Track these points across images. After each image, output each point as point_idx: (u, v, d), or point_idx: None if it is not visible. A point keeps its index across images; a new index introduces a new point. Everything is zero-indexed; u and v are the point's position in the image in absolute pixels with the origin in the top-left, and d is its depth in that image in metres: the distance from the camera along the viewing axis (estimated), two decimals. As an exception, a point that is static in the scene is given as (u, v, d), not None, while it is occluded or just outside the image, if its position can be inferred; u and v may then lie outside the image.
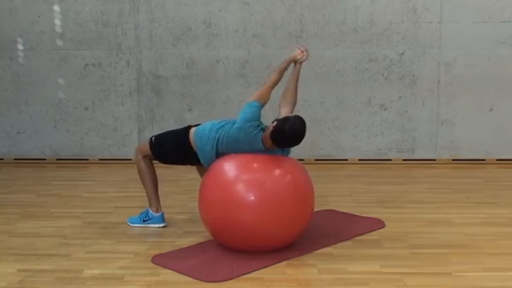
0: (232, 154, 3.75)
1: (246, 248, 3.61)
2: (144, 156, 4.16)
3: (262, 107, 3.79)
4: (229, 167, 3.67)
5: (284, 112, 3.85)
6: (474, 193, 5.13)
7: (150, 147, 4.12)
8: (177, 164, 4.25)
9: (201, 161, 3.93)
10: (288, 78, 4.00)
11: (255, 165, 3.66)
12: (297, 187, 3.65)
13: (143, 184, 4.21)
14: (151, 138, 4.18)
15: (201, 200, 3.73)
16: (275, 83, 3.87)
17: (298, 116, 3.67)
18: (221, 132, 3.81)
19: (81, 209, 4.71)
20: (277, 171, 3.64)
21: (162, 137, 4.16)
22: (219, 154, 3.83)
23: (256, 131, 3.70)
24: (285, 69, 3.98)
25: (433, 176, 5.88)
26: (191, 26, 6.30)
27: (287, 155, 3.87)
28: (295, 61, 4.01)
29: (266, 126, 3.74)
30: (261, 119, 3.81)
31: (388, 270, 3.37)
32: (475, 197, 5.01)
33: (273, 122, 3.68)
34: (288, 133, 3.59)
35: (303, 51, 4.00)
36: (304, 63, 4.03)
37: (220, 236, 3.71)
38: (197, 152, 3.92)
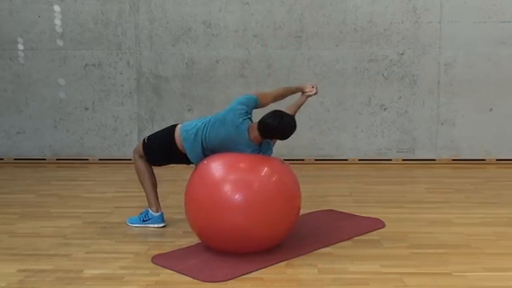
0: (218, 154, 3.71)
1: (231, 250, 3.56)
2: (141, 156, 4.16)
3: (258, 105, 3.83)
4: (215, 167, 3.61)
5: None
6: (474, 193, 5.13)
7: (143, 149, 4.14)
8: (167, 163, 4.21)
9: (189, 157, 3.91)
10: (291, 104, 4.11)
11: (241, 165, 3.61)
12: (284, 187, 3.59)
13: (142, 184, 4.21)
14: (144, 139, 4.18)
15: (187, 201, 3.68)
16: (278, 97, 4.01)
17: (290, 114, 3.78)
18: (206, 120, 3.84)
19: (81, 209, 4.71)
20: (264, 171, 3.58)
21: (153, 138, 4.16)
22: (204, 148, 3.81)
23: (245, 117, 3.73)
24: (292, 92, 4.15)
25: (433, 176, 5.89)
26: (191, 26, 6.30)
27: (270, 154, 3.84)
28: (303, 92, 4.17)
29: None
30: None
31: (388, 270, 3.37)
32: (475, 197, 5.01)
33: None
34: (276, 122, 3.59)
35: (313, 87, 4.19)
36: (310, 98, 4.21)
37: (206, 238, 3.66)
38: (184, 147, 3.90)
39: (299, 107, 4.13)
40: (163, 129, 4.16)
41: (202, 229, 3.63)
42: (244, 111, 3.74)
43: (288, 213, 3.61)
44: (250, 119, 3.78)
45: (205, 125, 3.83)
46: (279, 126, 3.60)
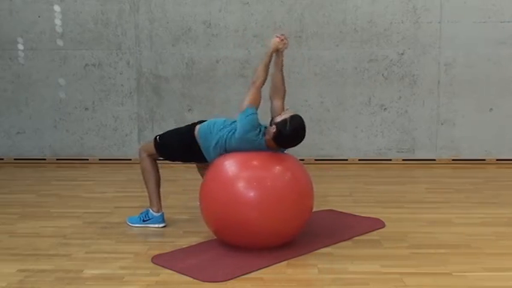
0: (233, 152, 3.77)
1: (246, 245, 3.63)
2: (148, 155, 4.17)
3: (257, 109, 3.81)
4: (230, 165, 3.70)
5: (276, 105, 3.85)
6: (474, 193, 5.13)
7: (155, 147, 4.14)
8: (184, 161, 4.30)
9: (206, 158, 3.96)
10: (273, 72, 3.93)
11: (255, 162, 3.69)
12: (298, 185, 3.68)
13: (146, 183, 4.21)
14: (156, 137, 4.19)
15: (202, 197, 3.76)
16: (263, 82, 3.88)
17: (296, 115, 3.69)
18: (223, 136, 3.82)
19: (81, 209, 4.71)
20: (278, 169, 3.68)
21: (167, 136, 4.18)
22: (223, 152, 3.86)
23: (258, 139, 3.73)
24: (269, 62, 3.91)
25: (433, 176, 5.88)
26: (191, 26, 6.30)
27: (283, 151, 3.88)
28: (277, 50, 3.92)
29: (266, 128, 3.75)
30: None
31: (388, 270, 3.37)
32: (475, 197, 5.01)
33: (271, 123, 3.70)
34: (291, 135, 3.65)
35: (282, 39, 3.91)
36: (285, 51, 3.93)
37: (221, 233, 3.74)
38: (202, 150, 3.95)
39: (282, 67, 3.92)
40: (182, 127, 4.19)
41: (217, 223, 3.69)
42: (254, 135, 3.72)
43: (300, 210, 3.69)
44: (263, 133, 3.75)
45: (223, 140, 3.81)
46: (293, 134, 3.64)
